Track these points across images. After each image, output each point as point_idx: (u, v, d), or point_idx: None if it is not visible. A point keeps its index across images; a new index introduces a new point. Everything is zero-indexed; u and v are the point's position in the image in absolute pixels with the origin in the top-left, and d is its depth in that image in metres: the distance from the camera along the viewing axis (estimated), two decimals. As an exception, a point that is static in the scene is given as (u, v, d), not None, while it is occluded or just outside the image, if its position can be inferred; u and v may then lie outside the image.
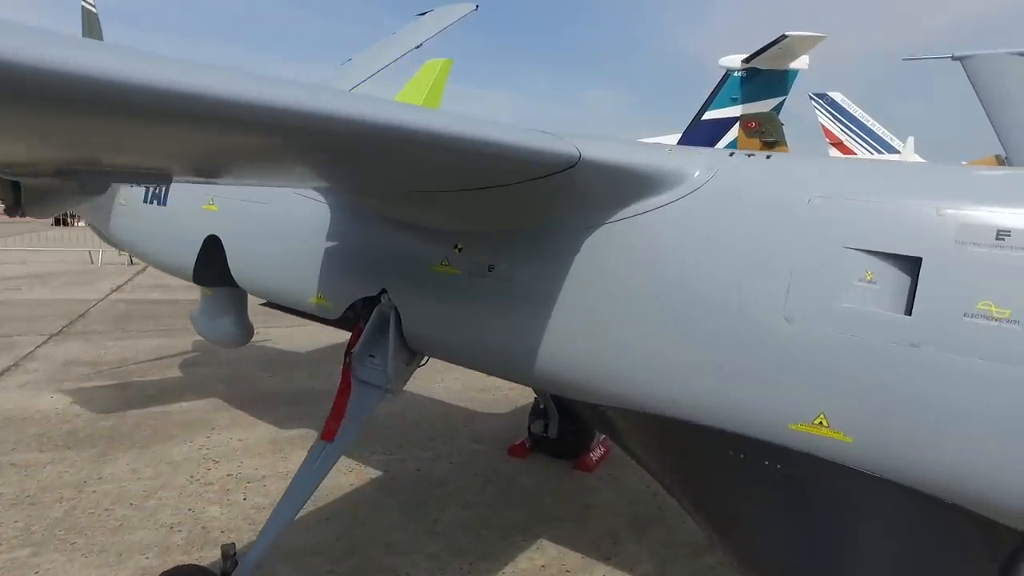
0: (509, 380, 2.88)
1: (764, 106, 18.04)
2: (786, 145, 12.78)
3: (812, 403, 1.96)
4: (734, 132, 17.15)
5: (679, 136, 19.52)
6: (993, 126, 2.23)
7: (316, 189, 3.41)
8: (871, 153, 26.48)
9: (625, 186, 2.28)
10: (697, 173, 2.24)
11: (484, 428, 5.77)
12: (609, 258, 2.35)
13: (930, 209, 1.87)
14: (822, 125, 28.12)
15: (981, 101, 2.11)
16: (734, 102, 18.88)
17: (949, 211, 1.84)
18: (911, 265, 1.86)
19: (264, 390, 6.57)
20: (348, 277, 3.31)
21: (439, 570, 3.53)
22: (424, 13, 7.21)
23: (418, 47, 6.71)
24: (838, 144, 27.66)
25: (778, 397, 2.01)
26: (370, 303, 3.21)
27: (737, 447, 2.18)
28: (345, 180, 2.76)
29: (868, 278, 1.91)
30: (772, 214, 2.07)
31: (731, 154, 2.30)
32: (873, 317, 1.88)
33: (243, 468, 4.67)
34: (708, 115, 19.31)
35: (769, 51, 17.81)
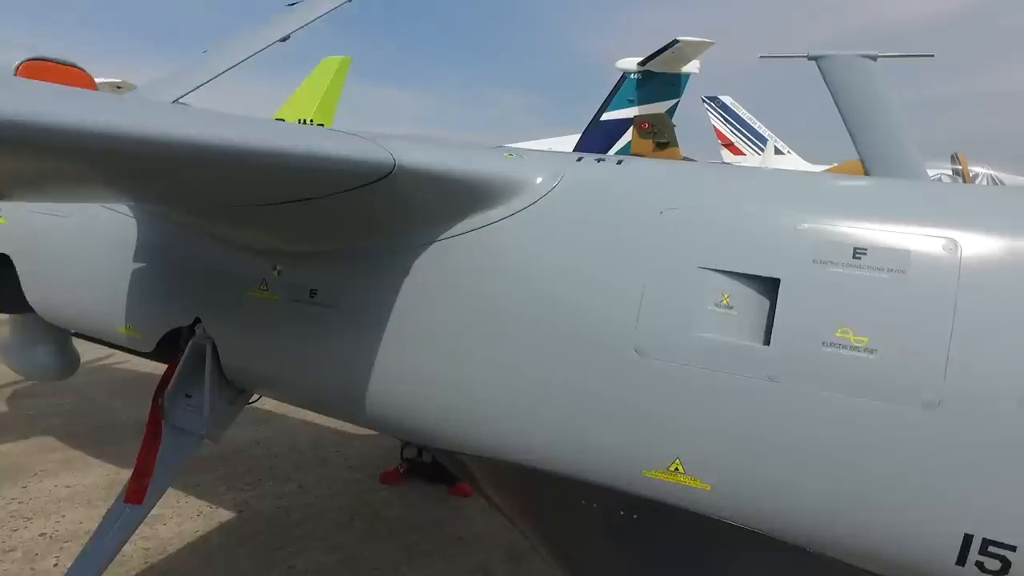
0: (344, 421, 2.48)
1: (659, 108, 18.49)
2: (678, 147, 13.05)
3: (666, 447, 1.71)
4: (631, 133, 17.50)
5: (579, 136, 19.84)
6: (847, 129, 2.10)
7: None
8: (759, 154, 27.86)
9: (456, 197, 1.95)
10: (539, 180, 1.95)
11: (359, 453, 5.32)
12: (444, 281, 2.02)
13: (788, 223, 1.67)
14: (715, 127, 29.35)
15: (836, 103, 1.95)
16: (631, 103, 19.28)
17: (806, 226, 1.64)
18: (769, 287, 1.64)
19: (112, 422, 5.80)
20: (159, 304, 2.80)
21: (282, 632, 3.08)
22: (294, 3, 6.64)
23: (285, 39, 6.14)
24: (729, 145, 28.96)
25: (629, 440, 1.75)
26: (186, 333, 2.72)
27: (588, 496, 1.90)
28: (121, 196, 2.27)
29: (724, 302, 1.67)
30: (621, 229, 1.82)
31: (579, 159, 2.01)
32: (729, 348, 1.65)
33: (62, 524, 4.00)
34: (606, 116, 19.67)
35: (662, 55, 18.26)
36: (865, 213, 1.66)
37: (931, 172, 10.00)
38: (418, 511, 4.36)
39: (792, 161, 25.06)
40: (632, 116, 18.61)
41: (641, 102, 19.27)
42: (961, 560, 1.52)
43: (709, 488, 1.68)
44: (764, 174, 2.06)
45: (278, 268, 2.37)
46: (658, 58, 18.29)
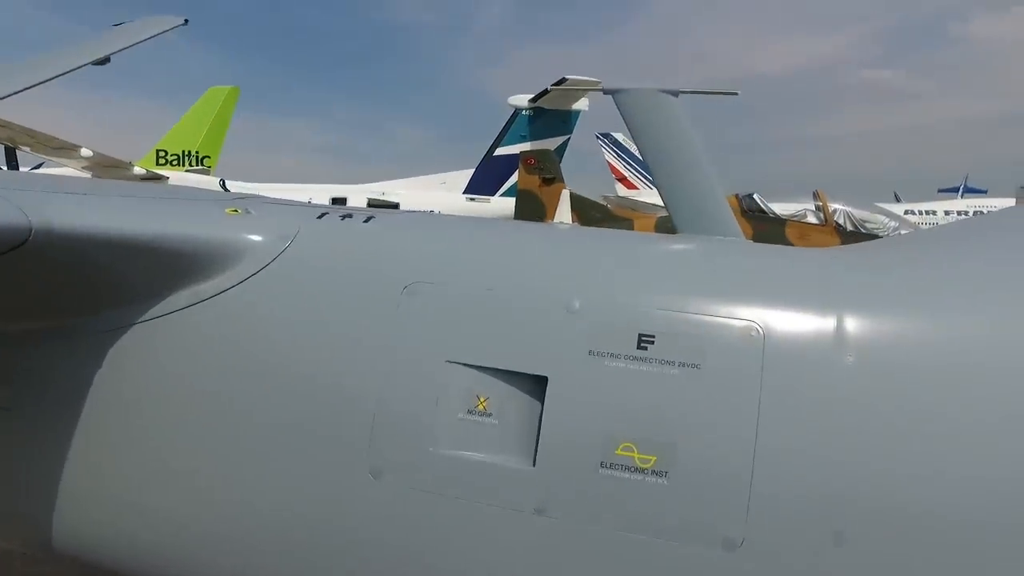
0: (33, 551, 1.89)
1: (551, 143, 18.72)
2: (563, 181, 13.06)
3: None
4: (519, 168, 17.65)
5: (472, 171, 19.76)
6: (651, 174, 1.82)
7: None
8: (651, 188, 28.96)
9: (143, 267, 1.46)
10: (263, 242, 1.49)
11: None
12: (140, 376, 1.52)
13: (559, 302, 1.29)
14: (608, 162, 30.27)
15: (633, 138, 1.66)
16: (523, 139, 19.47)
17: (579, 304, 1.26)
18: (536, 388, 1.26)
19: None
20: None
21: None
22: (120, 24, 5.94)
23: (104, 62, 5.46)
24: (623, 179, 29.92)
25: None
26: None
27: None
28: None
29: (480, 408, 1.27)
30: (356, 311, 1.40)
31: (321, 215, 1.58)
32: (486, 469, 1.24)
33: None
34: (499, 151, 19.80)
35: (552, 92, 18.57)
36: (653, 287, 1.33)
37: (793, 208, 10.46)
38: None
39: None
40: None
41: (533, 138, 19.46)
42: None
43: None
44: (541, 231, 1.72)
45: None
46: (548, 95, 18.58)
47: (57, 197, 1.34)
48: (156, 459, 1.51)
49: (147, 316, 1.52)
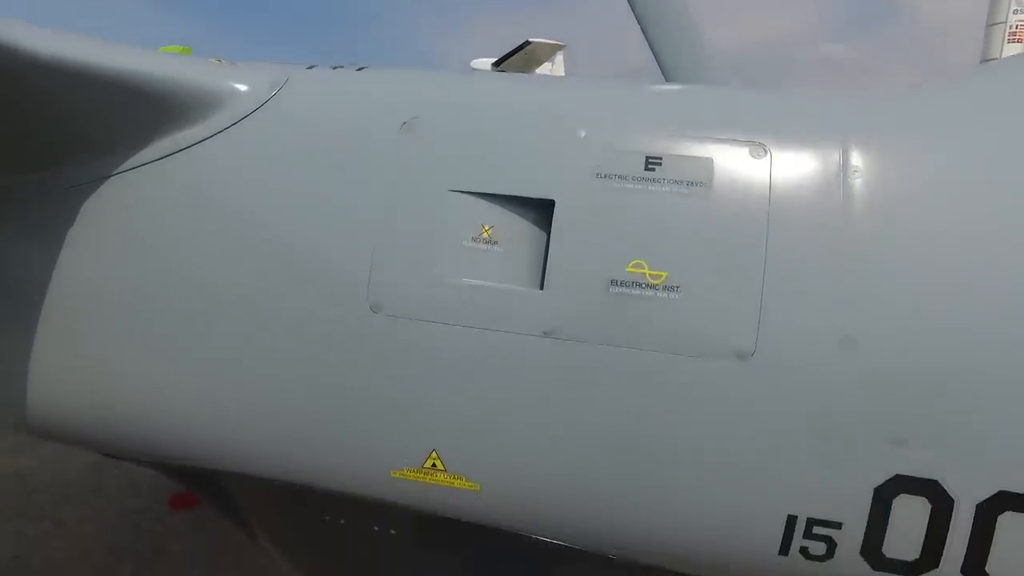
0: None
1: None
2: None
3: (418, 436, 1.26)
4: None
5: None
6: (647, 39, 1.79)
7: None
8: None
9: (121, 108, 1.37)
10: (250, 89, 1.42)
11: (149, 474, 4.43)
12: (121, 234, 1.44)
13: (564, 130, 1.26)
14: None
15: (635, 14, 1.63)
16: (486, 101, 19.19)
17: (585, 133, 1.23)
18: (542, 213, 1.23)
19: None
20: None
21: None
22: None
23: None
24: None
25: (370, 430, 1.27)
26: None
27: (332, 510, 1.40)
28: None
29: (485, 236, 1.24)
30: (352, 148, 1.35)
31: (311, 67, 1.51)
32: (493, 295, 1.22)
33: None
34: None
35: (515, 56, 18.33)
36: (660, 117, 1.32)
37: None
38: (210, 540, 3.63)
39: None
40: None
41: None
42: (784, 548, 1.20)
43: (478, 488, 1.24)
44: (538, 80, 1.68)
45: None
46: (511, 59, 18.31)
47: (22, 25, 1.22)
48: (138, 320, 1.43)
49: (122, 167, 1.43)
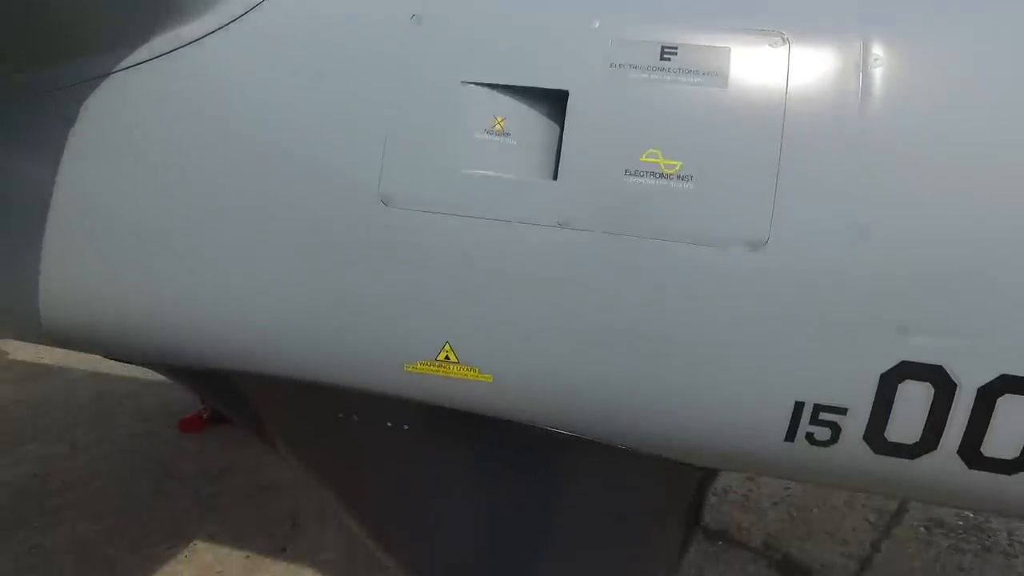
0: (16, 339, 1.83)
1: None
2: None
3: (432, 328, 1.27)
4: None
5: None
6: None
7: None
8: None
9: (115, 6, 1.32)
10: None
11: (156, 402, 4.53)
12: (124, 133, 1.41)
13: (577, 19, 1.22)
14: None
15: None
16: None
17: (600, 23, 1.20)
18: (555, 103, 1.21)
19: None
20: None
21: (12, 628, 2.41)
22: None
23: None
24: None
25: (383, 324, 1.28)
26: None
27: (345, 407, 1.43)
28: None
29: (498, 128, 1.22)
30: (361, 39, 1.30)
31: None
32: (506, 187, 1.20)
33: None
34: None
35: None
36: (676, 6, 1.27)
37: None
38: (220, 459, 3.73)
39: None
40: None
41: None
42: (791, 434, 1.24)
43: (491, 379, 1.27)
44: None
45: None
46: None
47: None
48: (146, 224, 1.42)
49: (122, 64, 1.39)
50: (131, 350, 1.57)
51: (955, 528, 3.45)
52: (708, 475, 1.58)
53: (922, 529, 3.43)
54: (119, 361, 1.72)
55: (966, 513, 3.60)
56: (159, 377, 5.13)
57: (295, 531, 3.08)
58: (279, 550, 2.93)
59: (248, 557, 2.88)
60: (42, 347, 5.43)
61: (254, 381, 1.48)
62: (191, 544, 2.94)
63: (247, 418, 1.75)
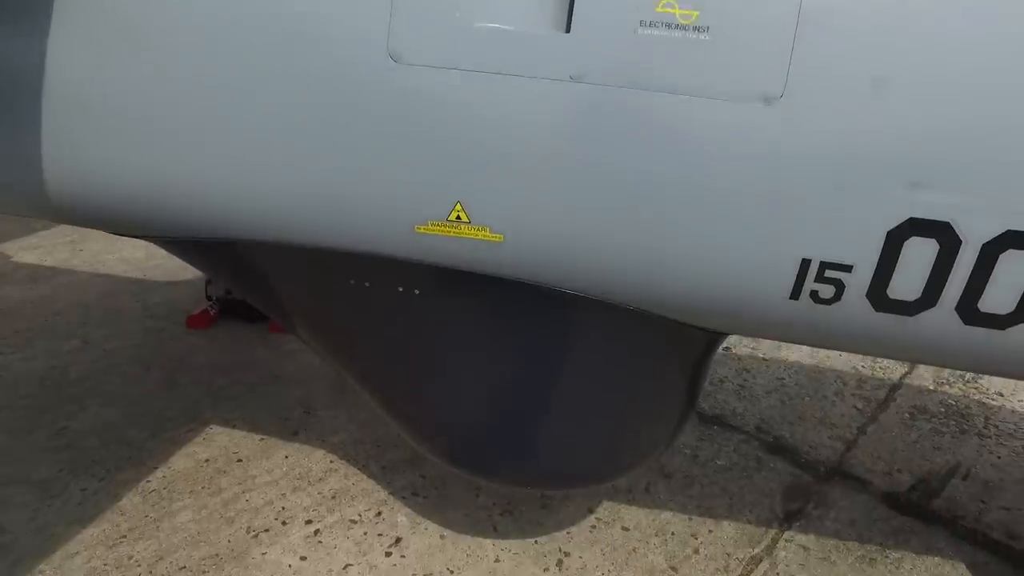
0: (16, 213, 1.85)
1: None
2: None
3: (442, 187, 1.27)
4: None
5: None
6: None
7: None
8: None
9: None
10: None
11: (163, 300, 4.59)
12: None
13: None
14: None
15: None
16: None
17: None
18: None
19: None
20: None
21: (46, 501, 2.55)
22: None
23: None
24: None
25: (393, 185, 1.29)
26: None
27: (356, 273, 1.45)
28: None
29: None
30: None
31: None
32: (516, 39, 1.17)
33: None
34: None
35: None
36: None
37: None
38: (231, 354, 3.83)
39: None
40: None
41: None
42: (796, 292, 1.27)
43: (502, 239, 1.29)
44: None
45: None
46: None
47: None
48: (150, 91, 1.38)
49: None
50: (141, 223, 1.57)
51: (937, 414, 3.61)
52: (711, 344, 1.64)
53: (906, 415, 3.58)
54: (128, 236, 1.73)
55: (949, 401, 3.75)
56: (164, 276, 5.18)
57: (307, 417, 3.21)
58: (292, 434, 3.06)
59: (263, 440, 3.01)
60: (44, 250, 5.45)
61: (264, 251, 1.50)
62: (207, 429, 3.07)
63: (255, 291, 1.78)
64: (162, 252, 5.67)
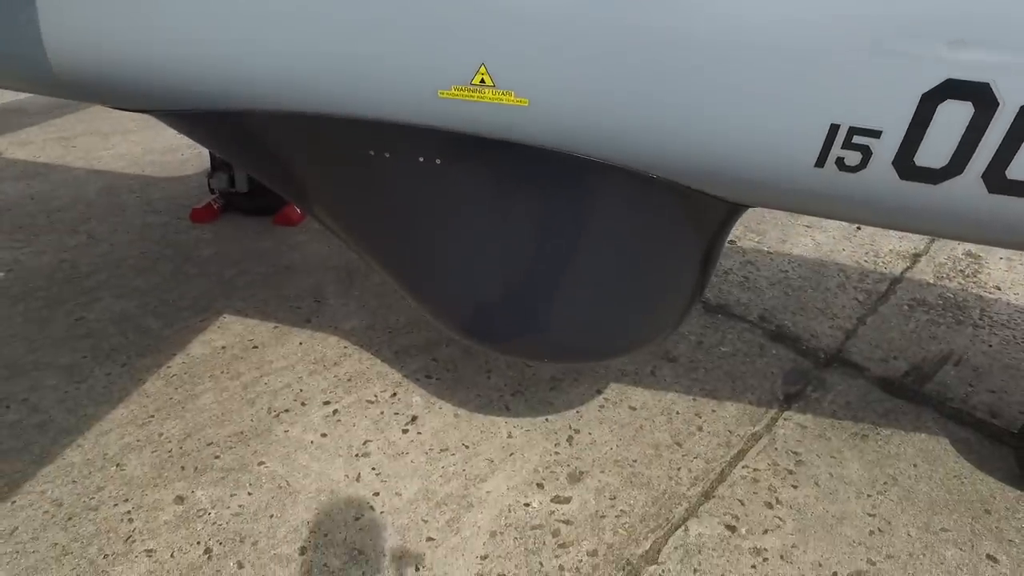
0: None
1: None
2: None
3: (467, 51, 1.23)
4: None
5: None
6: None
7: None
8: None
9: None
10: None
11: (164, 195, 4.55)
12: None
13: None
14: None
15: None
16: None
17: None
18: None
19: None
20: None
21: (73, 384, 2.64)
22: None
23: None
24: None
25: (416, 48, 1.24)
26: None
27: (376, 143, 1.43)
28: None
29: None
30: None
31: None
32: None
33: None
34: None
35: None
36: None
37: None
38: (237, 246, 3.84)
39: None
40: None
41: None
42: (821, 159, 1.26)
43: (527, 103, 1.26)
44: None
45: None
46: None
47: None
48: None
49: None
50: (148, 95, 1.53)
51: (935, 306, 3.68)
52: (727, 218, 1.64)
53: (905, 307, 3.65)
54: (134, 111, 1.68)
55: (947, 294, 3.81)
56: (164, 172, 5.09)
57: (318, 306, 3.26)
58: (304, 321, 3.13)
59: (276, 327, 3.07)
60: (36, 146, 5.33)
61: (278, 122, 1.46)
62: (221, 318, 3.13)
63: (267, 168, 1.75)
64: (159, 147, 5.54)
